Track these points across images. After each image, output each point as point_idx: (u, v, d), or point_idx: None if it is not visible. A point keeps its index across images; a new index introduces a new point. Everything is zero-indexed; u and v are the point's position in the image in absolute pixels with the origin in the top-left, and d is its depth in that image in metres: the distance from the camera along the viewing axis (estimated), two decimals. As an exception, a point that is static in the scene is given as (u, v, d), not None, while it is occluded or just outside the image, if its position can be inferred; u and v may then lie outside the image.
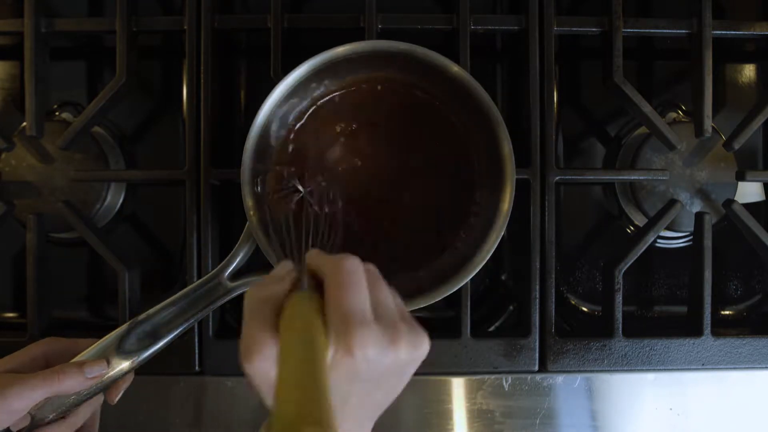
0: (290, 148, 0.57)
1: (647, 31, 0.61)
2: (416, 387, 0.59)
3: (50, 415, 0.49)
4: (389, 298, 0.37)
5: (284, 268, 0.39)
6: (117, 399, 0.51)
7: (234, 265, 0.54)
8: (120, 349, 0.51)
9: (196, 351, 0.59)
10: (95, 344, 0.51)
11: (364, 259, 0.37)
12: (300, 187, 0.54)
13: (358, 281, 0.35)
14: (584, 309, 0.69)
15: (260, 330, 0.34)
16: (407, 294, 0.51)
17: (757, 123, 0.61)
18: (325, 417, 0.29)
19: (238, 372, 0.59)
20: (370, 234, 0.57)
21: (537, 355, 0.59)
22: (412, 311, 0.45)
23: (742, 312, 0.69)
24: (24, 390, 0.46)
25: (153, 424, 0.59)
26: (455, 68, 0.53)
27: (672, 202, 0.62)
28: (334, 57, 0.52)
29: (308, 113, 0.57)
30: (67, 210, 0.60)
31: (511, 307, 0.67)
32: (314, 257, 0.39)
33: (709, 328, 0.59)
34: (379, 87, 0.56)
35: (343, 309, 0.34)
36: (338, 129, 0.56)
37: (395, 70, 0.56)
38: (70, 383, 0.48)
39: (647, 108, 0.60)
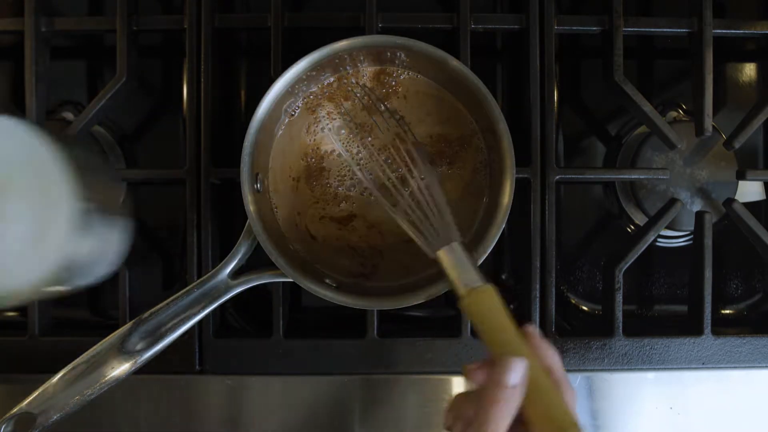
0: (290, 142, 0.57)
1: (648, 30, 0.61)
2: (416, 386, 0.59)
3: (55, 416, 0.49)
4: None
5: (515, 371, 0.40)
6: None
7: (234, 263, 0.54)
8: (122, 349, 0.50)
9: (197, 350, 0.59)
10: (97, 345, 0.51)
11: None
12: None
13: None
14: (584, 308, 0.69)
15: None
16: (407, 290, 0.52)
17: (758, 122, 0.60)
18: None
19: (239, 371, 0.59)
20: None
21: (537, 354, 0.59)
22: (411, 307, 0.45)
23: (742, 311, 0.69)
24: None
25: (153, 423, 0.59)
26: (454, 62, 0.53)
27: (672, 201, 0.62)
28: (333, 52, 0.52)
29: (307, 108, 0.57)
30: (67, 209, 0.60)
31: (511, 306, 0.67)
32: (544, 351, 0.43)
33: (709, 327, 0.59)
34: (380, 80, 0.57)
35: None
36: (336, 125, 0.57)
37: (395, 65, 0.56)
38: None
39: (648, 107, 0.60)
